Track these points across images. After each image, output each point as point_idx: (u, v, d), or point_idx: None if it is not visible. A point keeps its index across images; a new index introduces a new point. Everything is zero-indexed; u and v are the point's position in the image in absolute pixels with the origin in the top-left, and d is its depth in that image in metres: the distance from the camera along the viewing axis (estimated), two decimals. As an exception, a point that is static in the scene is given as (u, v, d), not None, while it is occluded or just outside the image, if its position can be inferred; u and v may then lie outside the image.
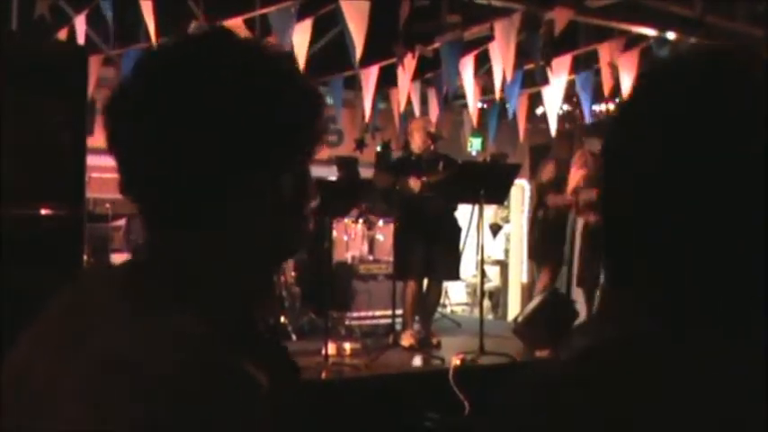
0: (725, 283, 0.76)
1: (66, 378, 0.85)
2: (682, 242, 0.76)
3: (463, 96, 7.82)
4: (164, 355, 0.83)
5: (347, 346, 6.04)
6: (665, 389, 0.72)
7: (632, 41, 6.90)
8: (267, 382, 0.87)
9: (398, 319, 6.48)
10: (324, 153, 8.25)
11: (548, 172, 7.46)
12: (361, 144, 7.89)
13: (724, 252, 0.75)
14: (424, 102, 8.43)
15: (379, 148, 8.42)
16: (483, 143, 9.84)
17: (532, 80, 7.70)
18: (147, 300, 0.90)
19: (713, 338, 0.75)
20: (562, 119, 8.30)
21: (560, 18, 6.04)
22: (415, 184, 6.32)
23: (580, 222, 7.25)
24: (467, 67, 7.19)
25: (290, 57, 1.03)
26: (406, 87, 7.35)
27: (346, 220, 7.37)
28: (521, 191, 10.42)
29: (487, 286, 10.11)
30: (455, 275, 6.81)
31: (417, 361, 5.98)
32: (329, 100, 8.21)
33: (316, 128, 1.03)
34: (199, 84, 0.94)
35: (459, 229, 6.69)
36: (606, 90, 7.10)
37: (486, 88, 8.06)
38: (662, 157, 0.77)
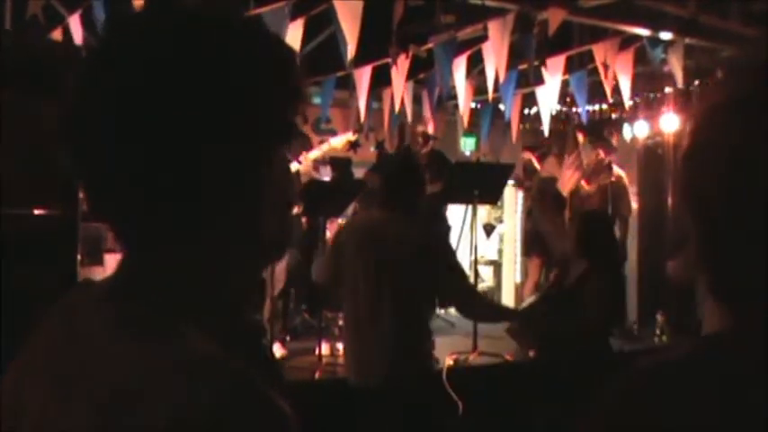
0: None
1: (70, 415, 0.78)
2: None
3: (455, 97, 7.82)
4: (178, 383, 0.74)
5: (341, 345, 6.02)
6: None
7: (626, 41, 6.91)
8: (290, 408, 0.78)
9: (392, 319, 6.47)
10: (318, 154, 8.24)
11: (549, 167, 7.44)
12: (354, 144, 7.88)
13: None
14: (417, 102, 8.43)
15: (373, 149, 8.42)
16: (476, 143, 9.84)
17: (526, 80, 7.70)
18: (146, 323, 0.81)
19: None
20: (554, 119, 8.30)
21: (554, 18, 6.04)
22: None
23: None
24: (460, 67, 7.18)
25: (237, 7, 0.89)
26: (399, 87, 7.35)
27: (340, 221, 7.35)
28: (514, 191, 10.41)
29: (481, 286, 10.10)
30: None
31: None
32: (319, 99, 8.19)
33: (285, 93, 0.88)
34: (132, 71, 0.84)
35: (449, 229, 6.68)
36: (608, 91, 7.10)
37: (479, 88, 8.06)
38: None
